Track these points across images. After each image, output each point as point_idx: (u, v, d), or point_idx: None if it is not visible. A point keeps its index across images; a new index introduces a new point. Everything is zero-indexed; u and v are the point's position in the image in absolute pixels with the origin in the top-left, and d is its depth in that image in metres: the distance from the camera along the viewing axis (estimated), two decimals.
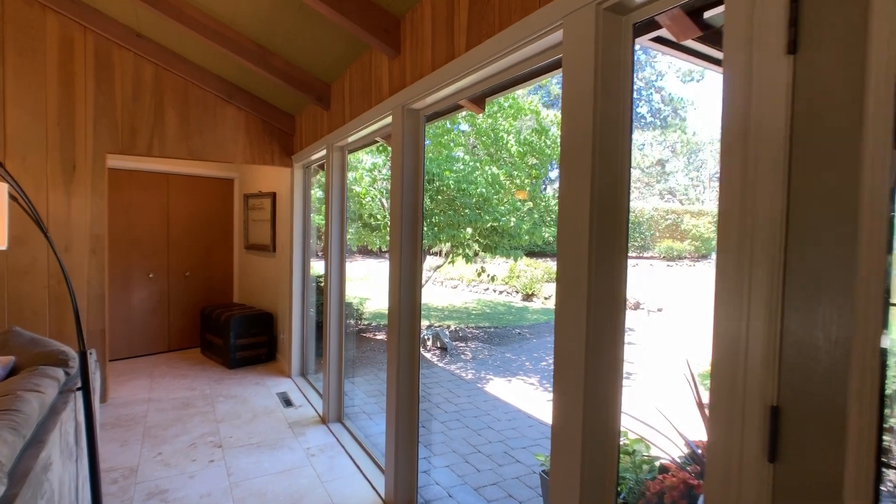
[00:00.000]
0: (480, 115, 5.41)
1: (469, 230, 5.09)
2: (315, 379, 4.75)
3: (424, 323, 8.05)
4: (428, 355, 6.25)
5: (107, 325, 3.97)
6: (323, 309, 3.74)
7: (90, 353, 3.91)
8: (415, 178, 2.53)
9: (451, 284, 13.58)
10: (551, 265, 13.28)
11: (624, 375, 1.40)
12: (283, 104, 4.42)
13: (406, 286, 2.50)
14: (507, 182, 5.94)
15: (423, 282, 6.92)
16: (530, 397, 4.91)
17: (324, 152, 3.83)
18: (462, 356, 6.37)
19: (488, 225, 5.22)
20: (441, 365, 5.95)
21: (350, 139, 3.36)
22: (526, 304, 11.12)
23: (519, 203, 5.62)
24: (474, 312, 9.65)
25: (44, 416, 1.67)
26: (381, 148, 5.29)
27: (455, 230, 5.07)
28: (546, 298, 11.09)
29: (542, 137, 6.29)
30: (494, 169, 5.43)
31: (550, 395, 5.07)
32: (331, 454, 3.19)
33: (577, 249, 1.33)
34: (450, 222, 5.06)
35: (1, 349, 2.16)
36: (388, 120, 2.75)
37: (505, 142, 6.04)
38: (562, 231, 1.39)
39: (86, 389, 1.96)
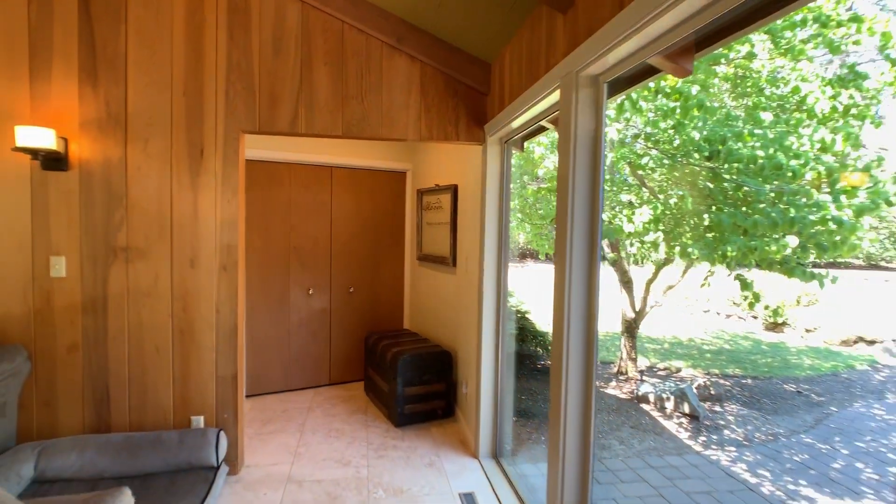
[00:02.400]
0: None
1: (793, 239, 2.87)
2: (511, 462, 3.11)
3: (643, 362, 5.88)
4: (671, 426, 4.14)
5: (241, 368, 2.90)
6: (552, 364, 2.04)
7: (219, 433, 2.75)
8: None
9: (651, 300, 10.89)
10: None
11: None
12: (475, 43, 2.87)
13: None
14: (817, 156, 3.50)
15: (649, 307, 4.75)
16: None
17: (551, 100, 2.14)
18: (723, 431, 4.10)
19: (816, 228, 2.94)
20: (698, 448, 3.80)
21: (624, 49, 1.58)
22: (775, 336, 8.01)
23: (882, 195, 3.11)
24: (706, 348, 7.06)
25: None
26: (623, 107, 3.38)
27: (755, 237, 2.90)
28: (809, 331, 7.83)
29: (852, 83, 3.69)
30: (825, 132, 3.10)
31: None
32: None
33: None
34: (739, 223, 2.92)
35: None
36: None
37: (800, 94, 3.62)
38: None
39: None
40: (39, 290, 2.62)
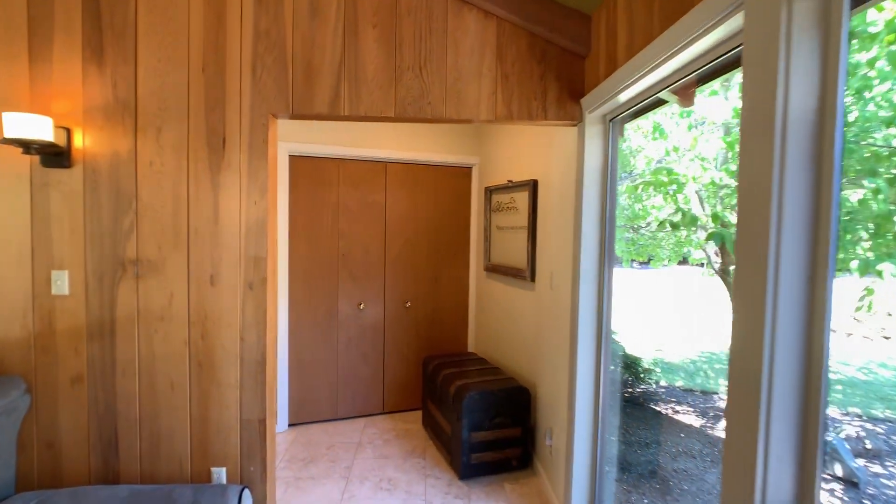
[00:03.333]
0: None
1: None
2: None
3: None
4: (822, 495, 3.16)
5: (271, 410, 2.33)
6: (729, 429, 1.68)
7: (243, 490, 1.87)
8: None
9: None
10: None
11: None
12: None
13: None
14: None
15: None
16: None
17: (706, 41, 1.36)
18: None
19: None
20: None
21: None
22: None
23: None
24: (833, 378, 5.81)
25: None
26: None
27: None
28: None
29: None
30: None
31: None
32: None
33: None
34: None
35: None
36: None
37: None
38: None
39: None
40: (40, 311, 2.19)
